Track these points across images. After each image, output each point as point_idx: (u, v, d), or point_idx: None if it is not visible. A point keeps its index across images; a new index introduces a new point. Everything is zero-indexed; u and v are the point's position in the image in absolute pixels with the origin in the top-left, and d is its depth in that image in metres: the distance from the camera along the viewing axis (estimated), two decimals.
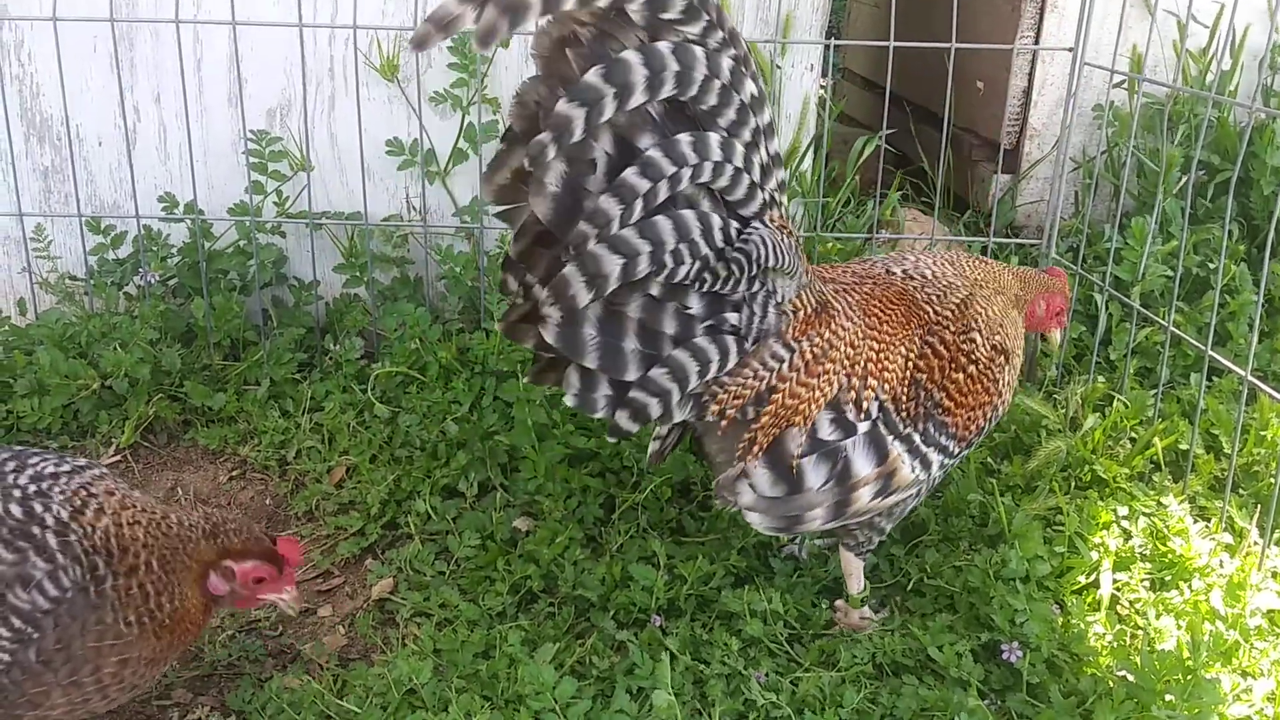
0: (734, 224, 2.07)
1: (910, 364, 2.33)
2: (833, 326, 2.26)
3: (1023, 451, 3.00)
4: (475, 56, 3.49)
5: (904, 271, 2.49)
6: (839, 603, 2.55)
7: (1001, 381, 2.45)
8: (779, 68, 3.64)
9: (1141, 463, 2.92)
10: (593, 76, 1.84)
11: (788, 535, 2.49)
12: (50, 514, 1.96)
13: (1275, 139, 3.77)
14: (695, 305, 2.10)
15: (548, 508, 2.82)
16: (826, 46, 3.90)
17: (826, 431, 2.24)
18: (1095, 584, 2.56)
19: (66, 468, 2.08)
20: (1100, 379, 3.27)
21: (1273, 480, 2.72)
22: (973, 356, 2.39)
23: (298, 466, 3.16)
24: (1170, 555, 2.60)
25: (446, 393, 3.18)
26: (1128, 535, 2.67)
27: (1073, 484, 2.89)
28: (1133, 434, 3.00)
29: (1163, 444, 2.94)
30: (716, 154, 2.01)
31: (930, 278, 2.48)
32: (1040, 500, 2.77)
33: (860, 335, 2.29)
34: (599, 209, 1.92)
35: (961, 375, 2.37)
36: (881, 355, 2.30)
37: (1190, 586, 2.54)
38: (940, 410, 2.34)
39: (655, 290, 2.06)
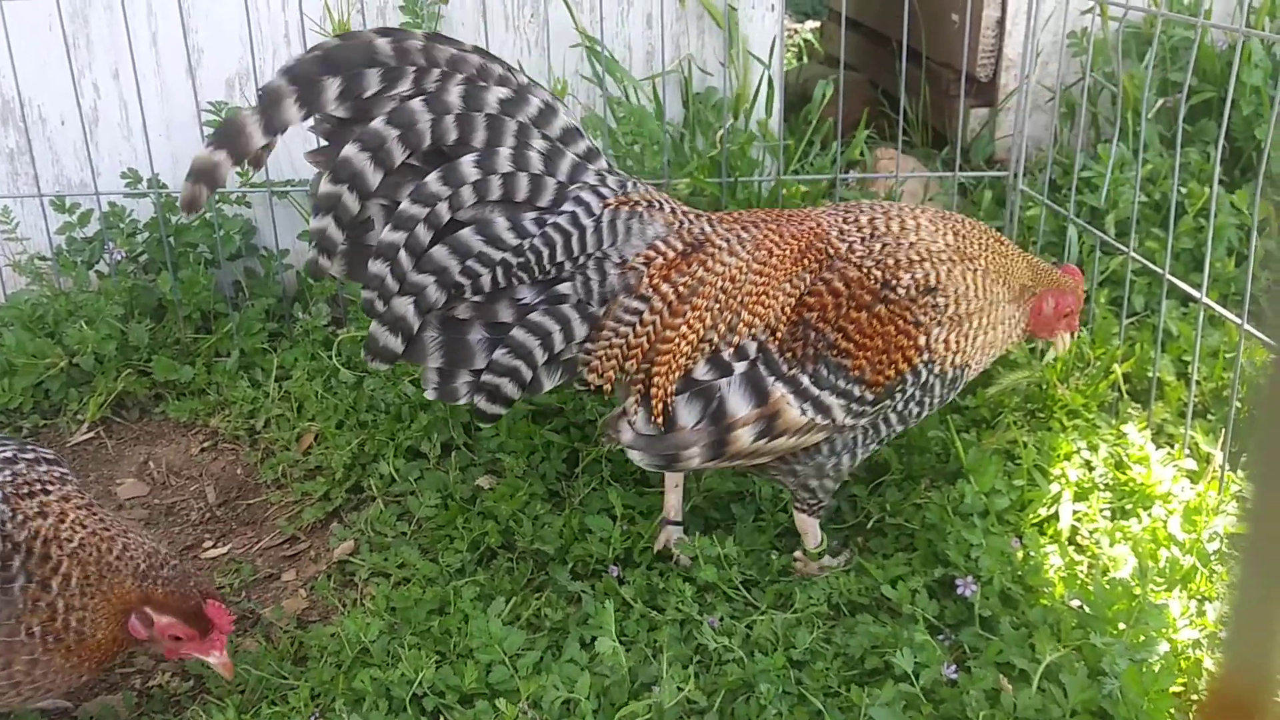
0: (529, 216, 2.21)
1: (797, 300, 2.26)
2: (708, 264, 2.26)
3: (988, 386, 2.97)
4: (426, 17, 3.46)
5: (869, 219, 2.35)
6: (798, 553, 2.53)
7: (927, 325, 2.26)
8: (734, 9, 3.58)
9: (1106, 390, 2.88)
10: (326, 186, 2.12)
11: (670, 472, 2.49)
12: None
13: (1253, 59, 3.68)
14: (526, 294, 2.24)
15: (510, 464, 2.82)
16: None
17: (701, 371, 2.25)
18: (1056, 516, 2.53)
19: (29, 456, 2.08)
20: None
21: (1239, 404, 2.67)
22: (881, 295, 2.25)
23: (267, 435, 3.18)
24: (1131, 484, 2.57)
25: None
26: (1089, 466, 2.64)
27: (1035, 416, 2.85)
28: (1099, 363, 2.96)
29: (1122, 369, 2.89)
30: (473, 174, 2.17)
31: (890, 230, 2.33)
32: (999, 434, 2.74)
33: (743, 269, 2.26)
34: (370, 274, 2.17)
35: (864, 314, 2.24)
36: (762, 290, 2.26)
37: (1150, 514, 2.51)
38: (836, 352, 2.24)
39: (476, 298, 2.22)
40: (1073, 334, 2.53)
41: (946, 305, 2.28)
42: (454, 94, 2.15)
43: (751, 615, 2.37)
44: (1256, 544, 0.74)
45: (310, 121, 2.14)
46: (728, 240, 2.30)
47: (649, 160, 3.46)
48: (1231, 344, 2.93)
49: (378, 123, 2.11)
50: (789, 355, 2.24)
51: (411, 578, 2.55)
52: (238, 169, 2.09)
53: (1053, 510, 2.54)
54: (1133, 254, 2.93)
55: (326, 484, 2.92)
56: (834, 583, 2.41)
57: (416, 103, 2.12)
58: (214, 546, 2.84)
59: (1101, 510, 2.55)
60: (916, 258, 2.29)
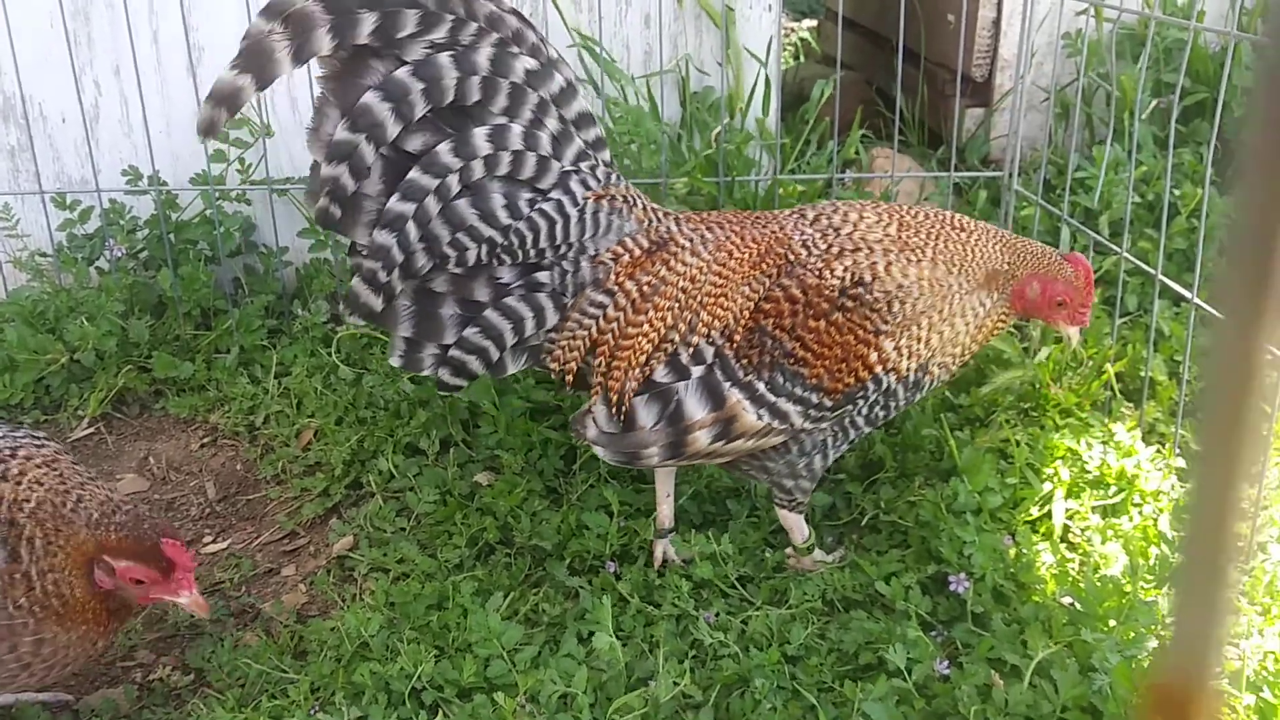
0: (525, 196, 2.21)
1: (755, 305, 2.26)
2: (671, 264, 2.30)
3: (982, 385, 2.99)
4: None
5: (818, 218, 2.35)
6: (789, 550, 2.56)
7: (885, 334, 2.24)
8: (731, 9, 3.61)
9: (1099, 390, 2.91)
10: (343, 133, 2.05)
11: (632, 468, 2.53)
12: None
13: (1244, 61, 3.70)
14: (505, 275, 2.25)
15: (508, 461, 2.84)
16: None
17: (660, 373, 2.29)
18: (1048, 514, 2.56)
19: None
20: None
21: None
22: (839, 303, 2.23)
23: (266, 431, 3.20)
24: (1122, 482, 2.60)
25: None
26: (1082, 464, 2.67)
27: (1028, 414, 2.88)
28: (1091, 362, 2.98)
29: (1115, 368, 2.92)
30: (485, 148, 2.14)
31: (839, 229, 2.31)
32: (993, 433, 2.76)
33: (703, 270, 2.28)
34: (379, 245, 2.12)
35: (822, 323, 2.24)
36: (721, 291, 2.28)
37: (1141, 512, 2.54)
38: (793, 360, 2.24)
39: (457, 270, 2.21)
40: (1079, 327, 2.39)
41: (898, 310, 2.25)
42: (484, 55, 2.12)
43: (747, 611, 2.40)
44: (1196, 536, 0.75)
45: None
46: (691, 240, 2.33)
47: (646, 160, 3.48)
48: None
49: (403, 73, 2.06)
50: (745, 361, 2.26)
51: (410, 573, 2.58)
52: (259, 92, 2.00)
53: (1045, 508, 2.57)
54: (1126, 254, 2.96)
55: (326, 480, 2.95)
56: (828, 579, 2.44)
57: (445, 57, 2.08)
58: (214, 541, 2.87)
59: (1093, 508, 2.58)
60: (851, 247, 2.28)
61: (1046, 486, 2.60)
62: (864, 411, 2.34)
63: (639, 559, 2.57)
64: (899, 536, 2.61)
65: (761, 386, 2.26)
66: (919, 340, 2.28)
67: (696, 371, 2.28)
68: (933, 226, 2.32)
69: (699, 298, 2.28)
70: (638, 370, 2.29)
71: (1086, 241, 3.26)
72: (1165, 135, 3.64)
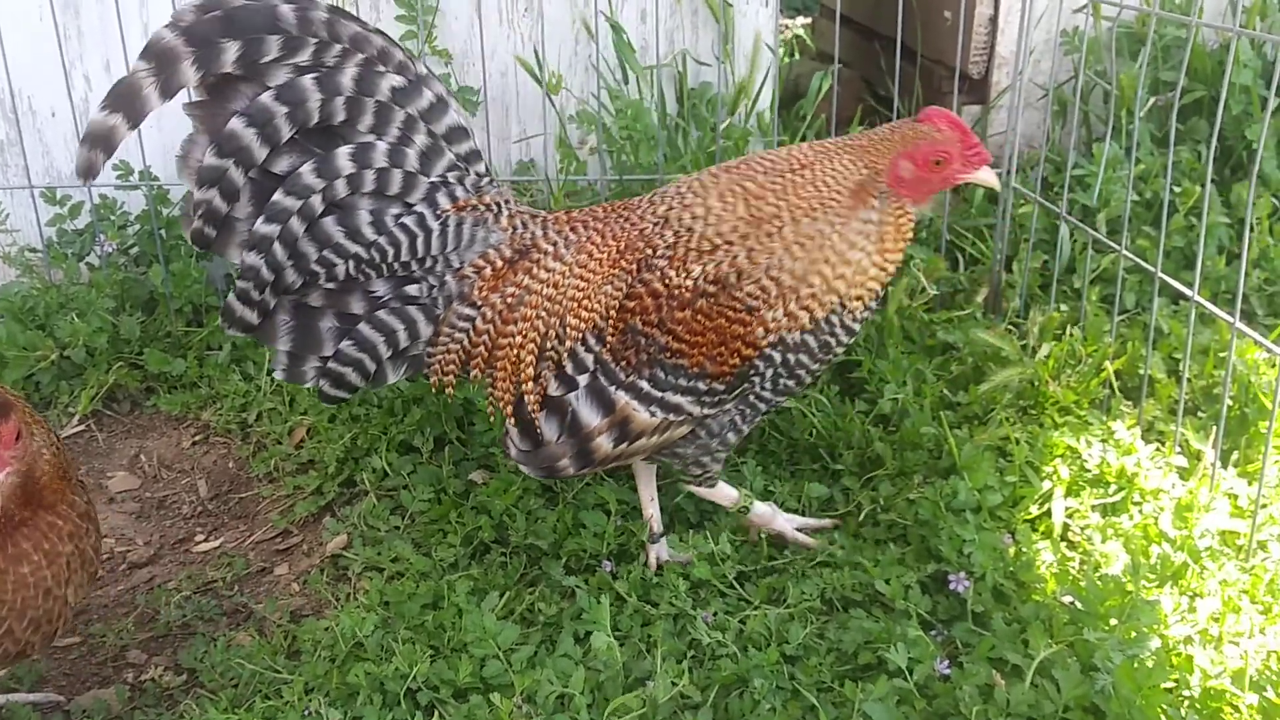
0: (392, 212, 2.25)
1: (620, 304, 2.24)
2: (533, 272, 2.30)
3: (981, 383, 2.98)
4: (422, 8, 3.46)
5: (664, 205, 2.30)
6: (751, 516, 2.55)
7: (762, 309, 2.17)
8: (729, 4, 3.58)
9: (1098, 388, 2.89)
10: (211, 159, 2.10)
11: (555, 479, 2.56)
12: None
13: (1242, 58, 3.69)
14: (379, 288, 2.29)
15: (503, 459, 2.82)
16: None
17: (553, 388, 2.29)
18: (1048, 512, 2.55)
19: None
20: (1064, 307, 3.23)
21: (1230, 401, 2.69)
22: (700, 290, 2.18)
23: (259, 429, 3.17)
24: (1121, 481, 2.58)
25: None
26: (1081, 462, 2.65)
27: (1027, 412, 2.86)
28: (1090, 360, 2.97)
29: (1114, 367, 2.90)
30: (348, 167, 2.19)
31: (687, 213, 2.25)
32: (992, 431, 2.74)
33: (565, 275, 2.28)
34: (249, 266, 2.19)
35: (688, 313, 2.19)
36: (584, 294, 2.27)
37: (1141, 511, 2.52)
38: (669, 354, 2.21)
39: (330, 285, 2.26)
40: (983, 166, 2.19)
41: (773, 288, 2.18)
42: (348, 75, 2.15)
43: (745, 610, 2.38)
44: None
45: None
46: (554, 244, 2.33)
47: (643, 154, 3.46)
48: (1222, 342, 2.95)
49: (266, 98, 2.10)
50: (624, 364, 2.25)
51: (405, 572, 2.55)
52: (132, 130, 2.05)
53: (1045, 507, 2.56)
54: (1125, 252, 2.94)
55: (319, 478, 2.92)
56: (827, 578, 2.42)
57: (308, 80, 2.12)
58: (206, 540, 2.84)
59: (1093, 506, 2.56)
60: (708, 248, 2.21)
61: (1046, 485, 2.58)
62: (768, 385, 2.28)
63: (636, 558, 2.55)
64: (898, 535, 2.58)
65: (645, 385, 2.25)
66: (819, 293, 2.17)
67: (583, 380, 2.28)
68: (777, 181, 2.21)
69: (564, 303, 2.28)
70: (525, 383, 2.30)
71: (1085, 239, 3.24)
72: (1164, 133, 3.63)
